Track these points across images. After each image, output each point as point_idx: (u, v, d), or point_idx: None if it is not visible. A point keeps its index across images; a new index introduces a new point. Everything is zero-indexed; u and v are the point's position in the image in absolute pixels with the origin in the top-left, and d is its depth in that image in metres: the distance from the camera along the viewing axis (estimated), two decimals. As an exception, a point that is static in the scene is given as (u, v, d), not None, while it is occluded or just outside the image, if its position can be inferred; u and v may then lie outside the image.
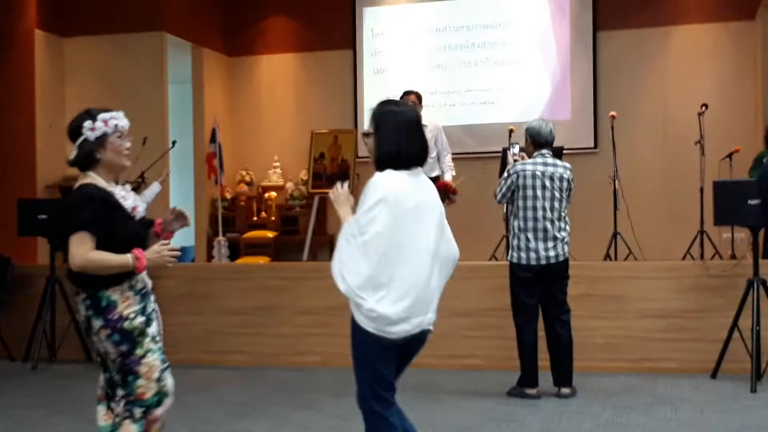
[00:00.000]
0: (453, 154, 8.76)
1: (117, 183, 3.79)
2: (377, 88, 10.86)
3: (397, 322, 3.53)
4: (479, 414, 5.94)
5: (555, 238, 6.28)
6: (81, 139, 3.65)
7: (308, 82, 11.61)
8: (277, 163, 11.55)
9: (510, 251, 6.45)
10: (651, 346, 7.27)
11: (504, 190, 6.42)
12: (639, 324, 7.31)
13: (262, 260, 10.32)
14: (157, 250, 3.63)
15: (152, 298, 3.78)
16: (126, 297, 3.63)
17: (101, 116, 3.67)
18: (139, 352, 3.63)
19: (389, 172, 3.61)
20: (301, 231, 10.71)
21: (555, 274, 6.33)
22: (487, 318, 7.50)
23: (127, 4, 10.40)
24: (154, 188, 7.87)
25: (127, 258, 3.55)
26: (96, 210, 3.54)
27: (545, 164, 6.33)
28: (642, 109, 10.49)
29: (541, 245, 6.26)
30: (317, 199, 10.03)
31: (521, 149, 6.63)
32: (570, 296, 6.47)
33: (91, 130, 3.64)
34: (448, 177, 8.49)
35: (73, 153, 3.68)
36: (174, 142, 9.52)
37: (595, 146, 10.52)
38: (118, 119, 3.70)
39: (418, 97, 8.59)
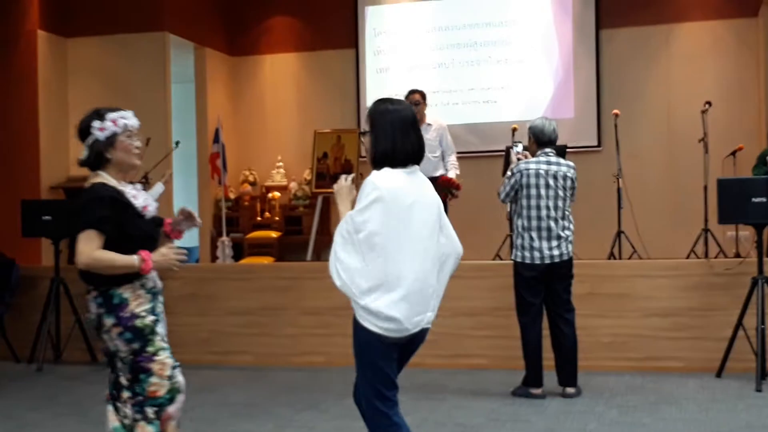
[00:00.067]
0: (455, 153, 8.76)
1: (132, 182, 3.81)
2: (380, 87, 10.85)
3: (395, 320, 3.52)
4: (484, 414, 5.93)
5: (559, 237, 6.27)
6: (91, 138, 3.66)
7: (311, 81, 11.61)
8: (281, 163, 11.55)
9: (514, 250, 6.44)
10: (656, 345, 7.27)
11: (507, 189, 6.41)
12: (643, 323, 7.30)
13: (265, 260, 10.32)
14: (164, 252, 3.63)
15: (161, 299, 3.78)
16: (137, 295, 3.63)
17: (110, 116, 3.67)
18: (150, 349, 3.62)
19: (386, 171, 3.62)
20: (305, 231, 10.70)
21: (559, 273, 6.33)
22: (491, 317, 7.50)
23: (129, 5, 10.39)
24: (158, 189, 7.88)
25: (132, 259, 3.55)
26: (105, 209, 3.54)
27: (549, 163, 6.33)
28: (645, 107, 10.48)
29: (545, 244, 6.26)
30: (321, 199, 10.02)
31: (524, 148, 6.63)
32: (574, 295, 6.47)
33: (100, 129, 3.64)
34: (451, 176, 8.49)
35: (83, 153, 3.68)
36: (177, 143, 9.53)
37: (599, 145, 10.51)
38: (127, 118, 3.70)
39: (423, 95, 8.59)
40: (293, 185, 11.34)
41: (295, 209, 11.20)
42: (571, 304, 6.43)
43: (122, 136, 3.67)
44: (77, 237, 3.54)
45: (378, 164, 3.65)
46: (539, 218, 6.27)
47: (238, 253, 10.73)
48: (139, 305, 3.63)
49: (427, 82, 9.64)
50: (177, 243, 3.92)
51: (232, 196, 11.35)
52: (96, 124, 3.64)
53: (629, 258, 8.60)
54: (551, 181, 6.28)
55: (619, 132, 8.91)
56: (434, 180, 8.25)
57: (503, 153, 8.62)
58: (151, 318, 3.65)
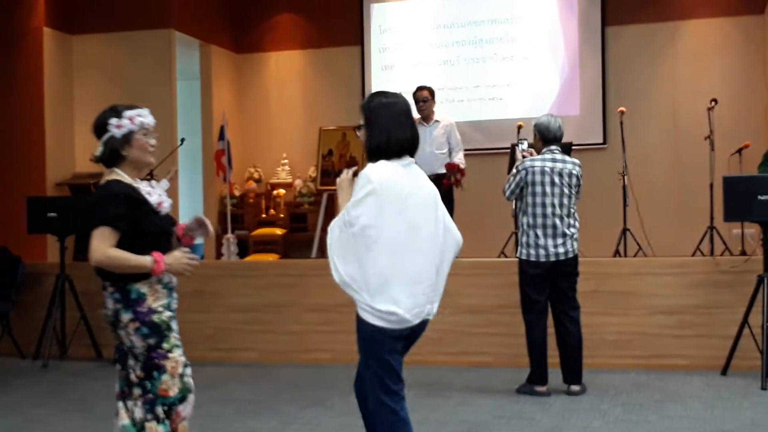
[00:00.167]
0: (463, 150, 8.76)
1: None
2: (385, 84, 10.84)
3: (396, 314, 3.53)
4: (489, 411, 5.93)
5: (564, 235, 6.26)
6: (107, 135, 3.66)
7: (316, 78, 11.60)
8: (286, 160, 11.54)
9: (519, 248, 6.43)
10: (661, 343, 7.26)
11: (513, 186, 6.41)
12: (649, 320, 7.29)
13: (270, 257, 10.33)
14: (178, 256, 3.63)
15: (175, 295, 3.78)
16: (155, 290, 3.64)
17: (127, 113, 3.68)
18: (166, 346, 3.62)
19: (381, 163, 3.63)
20: (310, 228, 10.71)
21: (564, 270, 6.32)
22: (496, 315, 7.50)
23: (135, 2, 10.40)
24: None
25: (146, 260, 3.55)
26: (119, 206, 3.55)
27: (554, 160, 6.32)
28: (651, 105, 10.46)
29: (550, 242, 6.25)
30: (326, 196, 10.03)
31: (530, 145, 6.62)
32: (579, 293, 6.46)
33: (117, 127, 3.65)
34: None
35: (98, 149, 3.69)
36: (182, 140, 9.54)
37: (604, 142, 10.49)
38: (144, 116, 3.71)
39: (431, 92, 8.61)
40: (298, 182, 11.34)
41: (300, 206, 11.21)
42: (577, 301, 6.42)
43: (138, 134, 3.68)
44: (91, 234, 3.54)
45: (373, 157, 3.67)
46: (544, 216, 6.26)
47: (243, 250, 10.75)
48: (156, 300, 3.63)
49: (433, 79, 9.63)
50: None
51: (237, 193, 11.35)
52: (113, 121, 3.65)
53: (634, 255, 8.59)
54: (556, 179, 6.27)
55: (624, 129, 8.90)
56: (441, 176, 8.27)
57: (508, 150, 8.60)
58: (167, 314, 3.66)
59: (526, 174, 6.31)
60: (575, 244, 6.33)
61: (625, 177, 8.70)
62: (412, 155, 3.71)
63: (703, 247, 8.59)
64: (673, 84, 10.47)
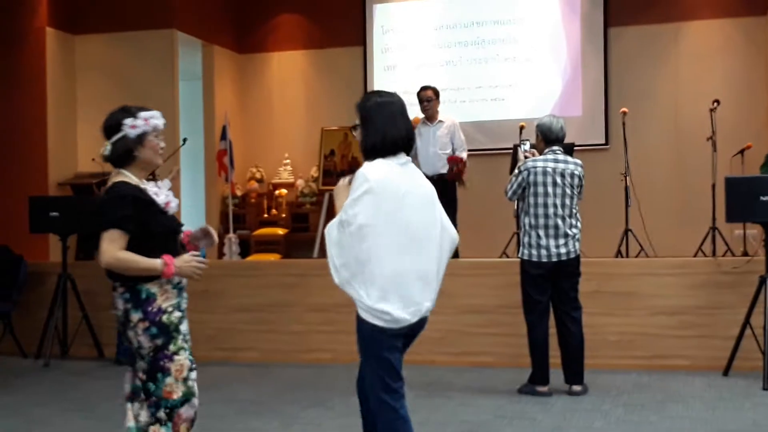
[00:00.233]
0: (466, 150, 8.76)
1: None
2: (387, 84, 10.84)
3: (394, 313, 3.54)
4: (490, 411, 5.93)
5: (566, 235, 6.26)
6: (119, 135, 3.67)
7: (318, 79, 11.61)
8: (288, 160, 11.55)
9: (521, 248, 6.43)
10: (663, 344, 7.26)
11: (515, 186, 6.41)
12: (651, 321, 7.29)
13: (272, 257, 10.33)
14: (187, 259, 3.64)
15: (185, 295, 3.79)
16: (165, 290, 3.64)
17: (142, 114, 3.70)
18: (172, 347, 3.63)
19: (378, 162, 3.64)
20: (312, 228, 10.71)
21: (566, 271, 6.32)
22: (498, 315, 7.50)
23: (137, 2, 10.41)
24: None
25: (156, 262, 3.56)
26: (127, 208, 3.56)
27: (556, 161, 6.32)
28: (653, 106, 10.45)
29: (552, 242, 6.25)
30: (328, 196, 10.03)
31: (532, 146, 6.62)
32: (581, 293, 6.46)
33: (131, 127, 3.66)
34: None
35: (107, 149, 3.69)
36: (185, 140, 9.54)
37: (607, 143, 10.49)
38: (157, 118, 3.74)
39: (435, 92, 8.61)
40: (300, 182, 11.35)
41: (302, 206, 11.21)
42: (578, 302, 6.42)
43: (151, 135, 3.71)
44: (101, 236, 3.56)
45: (369, 156, 3.69)
46: (546, 216, 6.26)
47: (245, 250, 10.75)
48: (166, 300, 3.64)
49: (435, 80, 9.62)
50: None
51: (239, 193, 11.36)
52: (128, 121, 3.66)
53: (636, 256, 8.59)
54: (559, 179, 6.27)
55: (626, 130, 8.91)
56: (444, 176, 8.27)
57: (511, 151, 8.62)
58: (177, 314, 3.67)
59: (528, 174, 6.31)
60: (577, 244, 6.33)
61: (627, 178, 8.70)
62: (407, 152, 3.72)
63: (705, 247, 8.60)
64: (676, 85, 10.47)
